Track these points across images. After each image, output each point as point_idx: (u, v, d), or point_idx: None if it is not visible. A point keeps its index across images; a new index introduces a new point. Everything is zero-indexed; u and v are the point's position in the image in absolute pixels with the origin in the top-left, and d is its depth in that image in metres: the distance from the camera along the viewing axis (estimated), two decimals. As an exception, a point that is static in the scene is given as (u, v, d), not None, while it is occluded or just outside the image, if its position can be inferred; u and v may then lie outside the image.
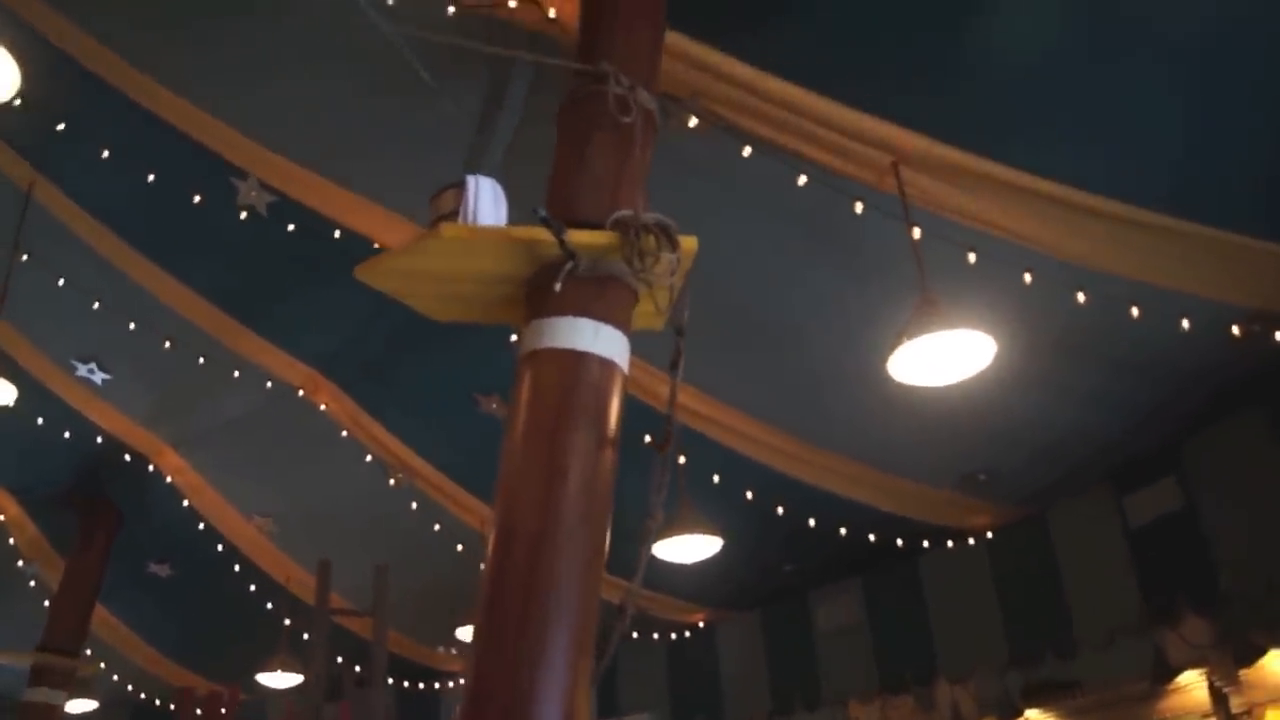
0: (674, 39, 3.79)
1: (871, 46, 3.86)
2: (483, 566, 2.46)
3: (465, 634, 6.87)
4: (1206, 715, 5.15)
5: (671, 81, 3.89)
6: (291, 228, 5.21)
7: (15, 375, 5.71)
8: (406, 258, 2.76)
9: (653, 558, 2.51)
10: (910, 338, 3.89)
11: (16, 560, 8.71)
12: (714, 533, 5.80)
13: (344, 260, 5.41)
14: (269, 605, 8.39)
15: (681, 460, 5.62)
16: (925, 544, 7.29)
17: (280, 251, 5.43)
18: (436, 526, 7.33)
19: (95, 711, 9.76)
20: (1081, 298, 4.49)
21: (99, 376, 6.77)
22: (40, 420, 6.93)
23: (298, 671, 7.43)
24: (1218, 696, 5.10)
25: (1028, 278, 4.44)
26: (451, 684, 10.08)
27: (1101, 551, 6.44)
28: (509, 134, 4.40)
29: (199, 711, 9.21)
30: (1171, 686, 5.38)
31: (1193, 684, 5.27)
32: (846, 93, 3.95)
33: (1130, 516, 6.35)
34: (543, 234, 2.63)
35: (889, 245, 4.40)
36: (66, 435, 7.19)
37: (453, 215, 2.75)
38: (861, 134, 4.04)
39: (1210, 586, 5.66)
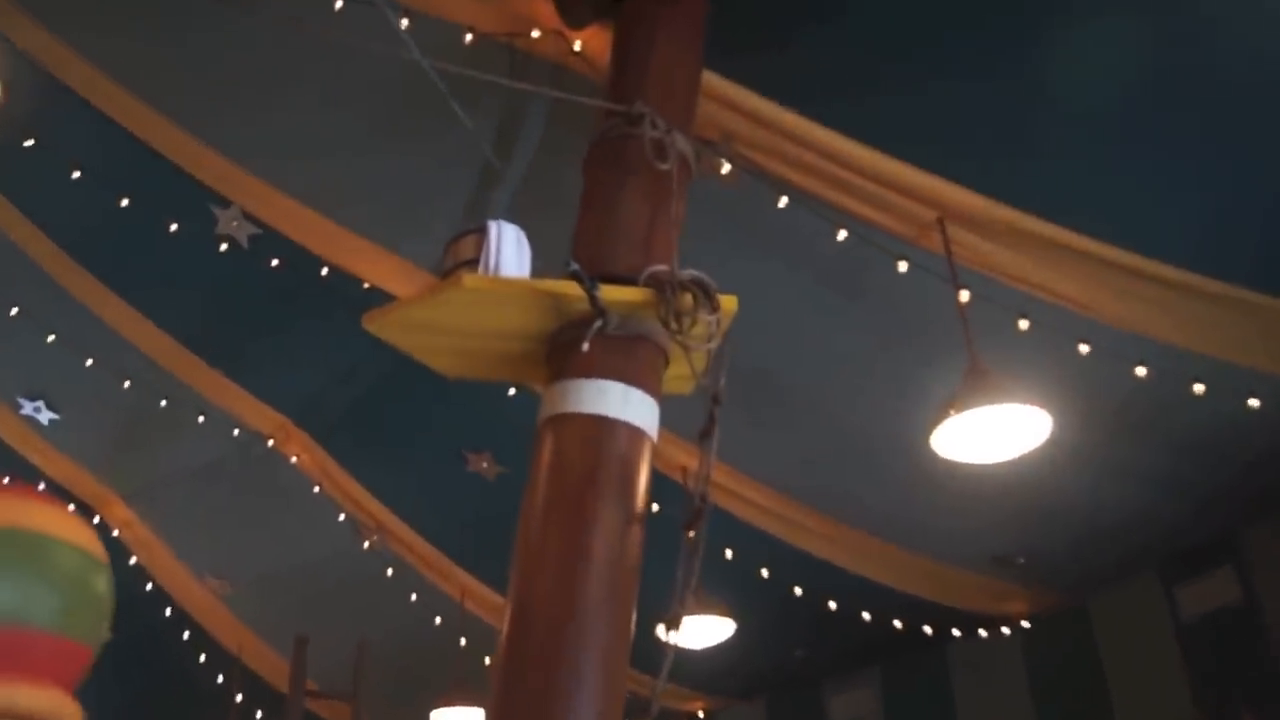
0: (707, 78, 3.87)
1: (920, 95, 3.95)
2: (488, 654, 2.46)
3: (441, 718, 6.78)
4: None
5: (703, 122, 3.96)
6: (275, 262, 5.26)
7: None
8: (421, 309, 2.79)
9: (662, 643, 2.51)
10: (959, 410, 3.92)
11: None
12: (725, 614, 5.78)
13: (329, 300, 5.60)
14: (219, 679, 8.27)
15: (689, 534, 5.61)
16: (955, 632, 7.25)
17: (259, 287, 5.48)
18: (414, 596, 7.27)
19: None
20: (1142, 372, 4.52)
21: (46, 416, 6.74)
22: (-28, 462, 6.90)
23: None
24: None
25: (1084, 348, 4.47)
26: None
27: (1149, 646, 6.39)
28: (521, 174, 4.47)
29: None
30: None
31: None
32: (892, 143, 4.02)
33: (1182, 609, 6.32)
34: (571, 288, 2.66)
35: (933, 308, 4.45)
36: (5, 480, 7.13)
37: (472, 263, 2.79)
38: (907, 187, 4.11)
39: (1270, 687, 5.63)
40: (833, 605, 6.61)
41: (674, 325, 2.68)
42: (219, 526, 7.41)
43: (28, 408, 6.70)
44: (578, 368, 2.65)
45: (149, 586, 7.88)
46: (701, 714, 8.74)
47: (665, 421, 2.77)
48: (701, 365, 2.78)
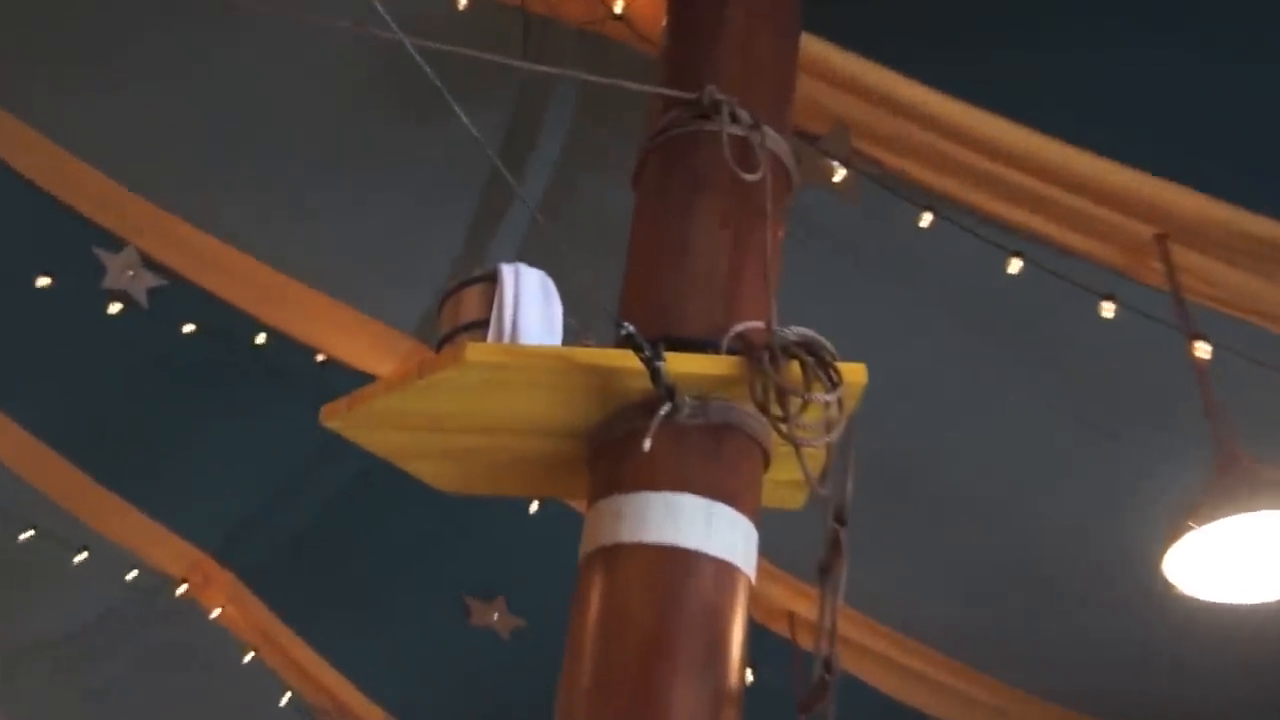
0: (810, 45, 3.91)
1: (1123, 69, 3.97)
2: None
3: None
4: None
5: (805, 109, 4.00)
6: (189, 328, 5.34)
7: None
8: (405, 395, 2.80)
9: None
10: (1203, 521, 3.87)
11: None
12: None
13: (268, 381, 5.66)
14: None
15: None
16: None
17: (166, 365, 5.57)
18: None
19: None
20: None
21: None
22: None
23: None
24: None
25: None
26: None
27: None
28: (542, 192, 4.52)
29: None
30: None
31: None
32: (1086, 133, 4.03)
33: None
34: (623, 359, 2.66)
35: (1150, 366, 4.44)
36: None
37: (479, 327, 2.81)
38: (1113, 194, 4.12)
39: None
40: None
41: (776, 410, 2.67)
42: (108, 715, 7.44)
43: None
44: (637, 476, 2.64)
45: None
46: None
47: (764, 548, 2.75)
48: (818, 466, 2.77)
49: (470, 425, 2.85)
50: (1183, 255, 4.28)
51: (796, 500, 3.01)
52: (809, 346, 2.73)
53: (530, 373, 2.73)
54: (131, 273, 5.40)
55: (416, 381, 2.78)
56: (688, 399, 2.67)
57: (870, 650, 5.90)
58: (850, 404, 2.77)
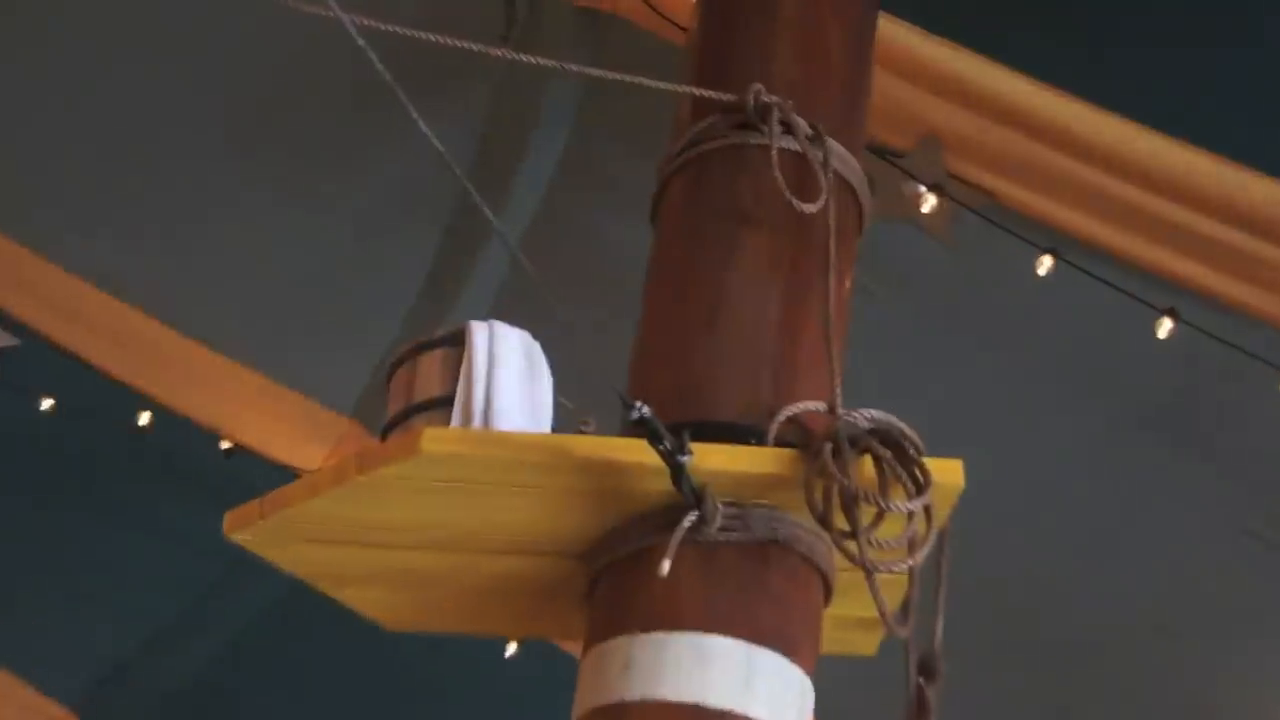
0: (890, 30, 3.95)
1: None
2: None
3: None
4: None
5: (884, 117, 4.03)
6: (47, 404, 5.37)
7: None
8: (336, 499, 2.81)
9: None
10: None
11: None
12: None
13: (152, 478, 5.65)
14: None
15: None
16: None
17: (17, 455, 5.59)
18: None
19: None
20: None
21: None
22: None
23: None
24: None
25: None
26: None
27: None
28: (525, 226, 4.57)
29: None
30: None
31: None
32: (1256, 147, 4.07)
33: None
34: (634, 451, 2.68)
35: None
36: None
37: (440, 406, 2.83)
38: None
39: None
40: None
41: (841, 522, 2.69)
42: None
43: None
44: (652, 611, 2.65)
45: None
46: None
47: (823, 709, 2.76)
48: (898, 599, 2.78)
49: (427, 540, 2.88)
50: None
51: (869, 645, 3.02)
52: (885, 436, 2.75)
53: (508, 469, 2.74)
54: (-33, 329, 5.44)
55: (355, 479, 2.79)
56: (721, 506, 2.68)
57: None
58: (942, 514, 2.78)
